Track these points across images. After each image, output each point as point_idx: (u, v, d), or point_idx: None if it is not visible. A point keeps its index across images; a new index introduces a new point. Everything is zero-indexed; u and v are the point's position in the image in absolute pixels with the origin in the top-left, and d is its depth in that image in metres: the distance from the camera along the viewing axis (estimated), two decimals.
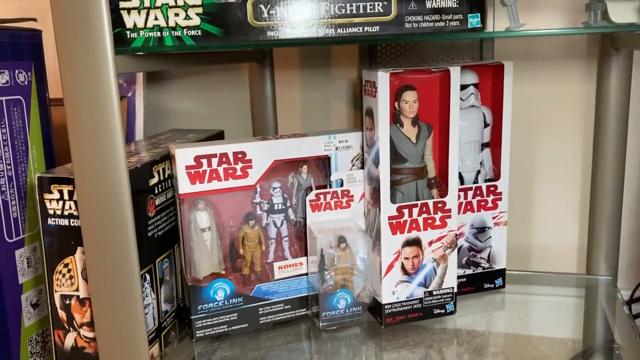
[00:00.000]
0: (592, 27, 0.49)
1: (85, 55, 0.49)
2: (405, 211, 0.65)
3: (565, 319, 0.69)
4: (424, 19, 0.55)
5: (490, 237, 0.74)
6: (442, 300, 0.68)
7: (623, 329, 0.67)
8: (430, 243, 0.66)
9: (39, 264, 0.71)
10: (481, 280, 0.75)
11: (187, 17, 0.52)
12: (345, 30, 0.54)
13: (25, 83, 0.69)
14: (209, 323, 0.66)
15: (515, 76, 0.83)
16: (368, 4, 0.54)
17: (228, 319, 0.66)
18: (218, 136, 0.81)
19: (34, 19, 0.71)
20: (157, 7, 0.52)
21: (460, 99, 0.68)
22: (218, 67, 0.92)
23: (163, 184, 0.65)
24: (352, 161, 0.68)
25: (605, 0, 0.50)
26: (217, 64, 0.87)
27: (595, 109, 0.80)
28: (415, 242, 0.66)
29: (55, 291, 0.59)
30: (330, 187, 0.68)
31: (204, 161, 0.62)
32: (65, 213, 0.57)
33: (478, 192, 0.72)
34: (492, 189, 0.72)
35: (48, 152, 0.72)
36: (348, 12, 0.54)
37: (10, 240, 0.67)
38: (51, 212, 0.57)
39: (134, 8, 0.52)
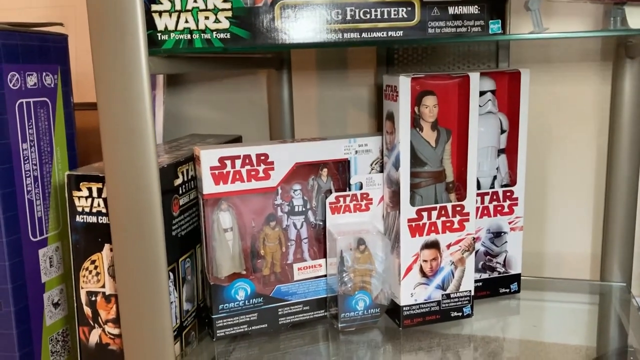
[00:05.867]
0: (612, 30, 0.51)
1: (120, 55, 0.50)
2: (425, 214, 0.66)
3: (579, 326, 0.70)
4: (446, 25, 0.56)
5: (506, 242, 0.75)
6: (460, 303, 0.69)
7: (638, 335, 0.67)
8: (449, 246, 0.67)
9: (61, 264, 0.72)
10: (497, 285, 0.76)
11: (217, 21, 0.54)
12: (370, 34, 0.56)
13: (52, 85, 0.70)
14: (229, 322, 0.66)
15: (530, 83, 0.84)
16: (392, 9, 0.55)
17: (248, 319, 0.67)
18: (236, 141, 0.82)
19: (61, 24, 0.73)
20: (188, 11, 0.54)
21: (478, 105, 0.70)
22: (236, 73, 0.94)
23: (187, 184, 0.66)
24: (371, 165, 0.70)
25: (624, 7, 0.51)
26: (239, 69, 0.88)
27: (610, 117, 0.81)
28: (434, 245, 0.67)
29: (82, 288, 0.60)
30: (350, 190, 0.69)
31: (228, 162, 0.63)
32: (94, 210, 0.58)
33: (494, 197, 0.73)
34: (508, 194, 0.73)
35: (72, 153, 0.74)
36: (372, 17, 0.55)
37: (35, 239, 0.68)
38: (79, 209, 0.58)
39: (165, 11, 0.53)
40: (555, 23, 0.81)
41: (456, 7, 0.56)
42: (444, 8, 0.56)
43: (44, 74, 0.69)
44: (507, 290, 0.76)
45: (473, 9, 0.56)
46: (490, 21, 0.57)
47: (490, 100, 0.71)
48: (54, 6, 0.91)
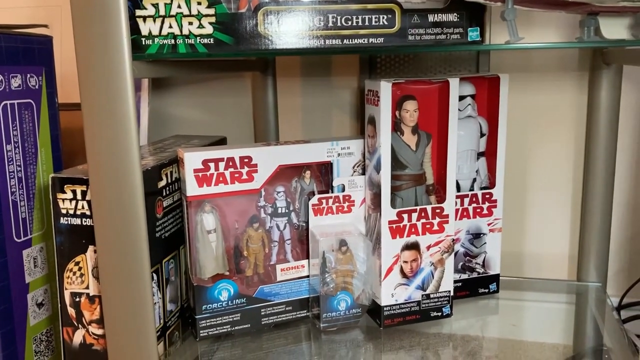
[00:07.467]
0: (585, 41, 0.52)
1: (104, 60, 0.51)
2: (405, 216, 0.67)
3: (556, 324, 0.72)
4: (426, 32, 0.57)
5: (485, 243, 0.76)
6: (439, 303, 0.70)
7: (612, 333, 0.69)
8: (429, 247, 0.69)
9: (45, 264, 0.72)
10: (476, 285, 0.77)
11: (201, 26, 0.55)
12: (351, 41, 0.57)
13: (36, 87, 0.71)
14: (212, 323, 0.67)
15: (510, 87, 0.86)
16: (373, 16, 0.56)
17: (231, 319, 0.68)
18: (221, 142, 0.83)
19: (45, 26, 0.73)
20: (172, 16, 0.54)
21: (458, 109, 0.71)
22: (221, 76, 0.95)
23: (171, 186, 0.67)
24: (353, 167, 0.71)
25: (598, 17, 0.52)
26: (224, 72, 0.89)
27: (587, 121, 0.83)
28: (414, 246, 0.68)
29: (66, 289, 0.60)
30: (332, 192, 0.71)
31: (212, 165, 0.64)
32: (78, 212, 0.59)
33: (474, 199, 0.74)
34: (487, 196, 0.75)
35: (56, 154, 0.74)
36: (354, 24, 0.56)
37: (19, 240, 0.68)
38: (64, 211, 0.59)
39: (149, 16, 0.54)
40: (532, 32, 0.83)
41: (436, 15, 0.57)
42: (423, 15, 0.57)
43: (29, 75, 0.69)
44: (486, 290, 0.78)
45: (452, 17, 0.58)
46: (469, 29, 0.58)
47: (470, 104, 0.72)
48: (40, 6, 0.91)
